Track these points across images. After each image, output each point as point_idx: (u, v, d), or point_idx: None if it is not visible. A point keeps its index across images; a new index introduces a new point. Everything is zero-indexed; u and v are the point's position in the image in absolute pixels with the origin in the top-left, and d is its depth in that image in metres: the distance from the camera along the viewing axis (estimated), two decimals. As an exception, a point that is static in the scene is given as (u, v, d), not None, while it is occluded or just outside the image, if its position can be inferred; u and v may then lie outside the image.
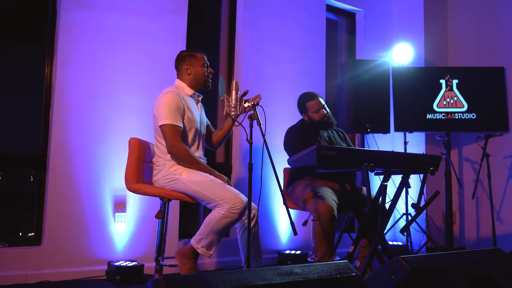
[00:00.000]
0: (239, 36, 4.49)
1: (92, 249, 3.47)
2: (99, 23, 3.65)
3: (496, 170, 4.70)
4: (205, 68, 2.99)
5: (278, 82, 4.56)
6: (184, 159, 2.79)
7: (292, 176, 3.72)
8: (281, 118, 4.47)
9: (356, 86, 4.57)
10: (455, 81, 4.82)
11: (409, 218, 4.67)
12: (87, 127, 3.54)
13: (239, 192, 2.72)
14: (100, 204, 3.53)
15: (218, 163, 4.39)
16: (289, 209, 3.71)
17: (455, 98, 4.80)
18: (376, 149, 4.95)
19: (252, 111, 2.84)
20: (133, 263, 3.38)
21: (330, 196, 3.34)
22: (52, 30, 3.57)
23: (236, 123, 2.98)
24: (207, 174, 2.79)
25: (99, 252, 3.50)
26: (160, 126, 2.80)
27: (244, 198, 2.70)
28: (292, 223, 2.65)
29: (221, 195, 2.66)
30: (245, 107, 2.86)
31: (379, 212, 3.00)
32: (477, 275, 1.88)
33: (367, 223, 3.10)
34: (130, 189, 2.81)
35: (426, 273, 1.78)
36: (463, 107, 4.78)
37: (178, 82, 3.00)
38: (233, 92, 2.86)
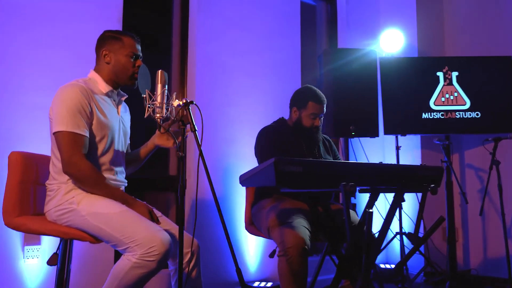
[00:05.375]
0: (193, 20, 3.68)
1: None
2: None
3: (508, 180, 3.90)
4: (132, 59, 2.18)
5: (242, 76, 3.76)
6: (85, 181, 1.99)
7: (258, 194, 2.92)
8: (246, 120, 3.69)
9: (337, 80, 3.78)
10: (454, 74, 4.04)
11: (404, 238, 3.88)
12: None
13: (160, 229, 1.92)
14: (3, 236, 2.70)
15: (170, 177, 3.58)
16: (253, 235, 3.02)
17: (456, 94, 4.02)
18: (363, 156, 4.16)
19: (180, 112, 2.04)
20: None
21: (301, 223, 2.54)
22: None
23: (162, 130, 2.18)
24: (118, 204, 1.98)
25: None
26: (54, 134, 1.99)
27: (166, 239, 1.89)
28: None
29: (132, 235, 1.85)
30: (174, 107, 2.06)
31: (364, 248, 2.20)
32: None
33: (347, 261, 2.31)
34: (8, 224, 2.00)
35: None
36: (465, 104, 4.00)
37: (92, 73, 2.20)
38: (159, 86, 2.06)
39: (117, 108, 2.21)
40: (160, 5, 3.79)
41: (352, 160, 4.30)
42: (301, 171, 2.07)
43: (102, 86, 2.14)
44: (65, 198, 1.97)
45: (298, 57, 4.10)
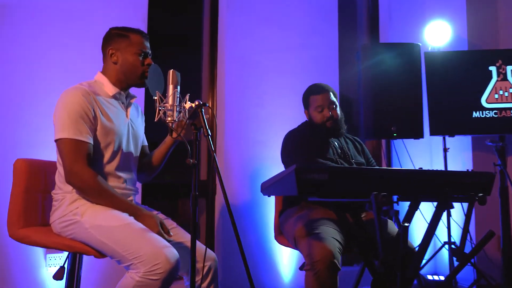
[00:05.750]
0: (222, 18, 3.52)
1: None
2: (22, 3, 2.77)
3: None
4: (141, 58, 2.02)
5: (274, 75, 3.56)
6: (88, 191, 1.85)
7: (286, 201, 2.72)
8: (278, 121, 3.48)
9: (377, 77, 3.51)
10: (509, 68, 3.66)
11: (453, 248, 3.56)
12: (5, 140, 2.65)
13: (166, 244, 1.75)
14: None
15: (201, 182, 3.44)
16: (282, 245, 2.81)
17: (511, 90, 3.65)
18: (407, 159, 3.86)
19: (193, 115, 1.87)
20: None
21: (330, 234, 2.31)
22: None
23: (174, 134, 2.02)
24: (125, 215, 1.83)
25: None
26: (55, 141, 1.87)
27: (172, 256, 1.72)
28: None
29: (136, 251, 1.69)
30: (187, 109, 1.90)
31: (398, 265, 1.96)
32: None
33: (381, 279, 2.06)
34: (12, 236, 1.89)
35: None
36: (522, 101, 3.62)
37: (98, 75, 2.06)
38: (170, 87, 1.90)
39: (126, 111, 2.06)
40: (188, 4, 3.65)
41: (395, 165, 4.00)
42: (327, 179, 1.86)
43: (109, 88, 2.01)
44: (69, 209, 1.84)
45: (335, 54, 3.85)
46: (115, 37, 2.02)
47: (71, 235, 1.83)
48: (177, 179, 3.46)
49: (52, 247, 1.83)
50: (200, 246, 2.00)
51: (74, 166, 1.80)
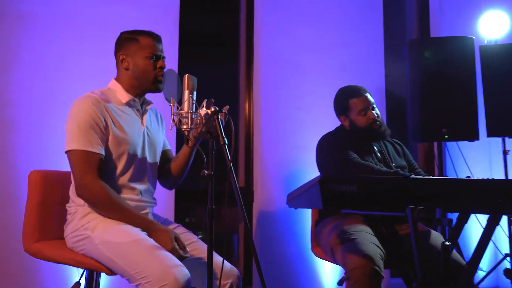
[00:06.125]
0: (257, 17, 3.37)
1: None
2: (52, 10, 2.75)
3: None
4: (152, 61, 1.91)
5: (313, 76, 3.38)
6: (99, 204, 1.76)
7: (321, 211, 2.53)
8: (318, 124, 3.27)
9: (426, 74, 3.23)
10: None
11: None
12: (37, 150, 2.64)
13: (177, 264, 1.62)
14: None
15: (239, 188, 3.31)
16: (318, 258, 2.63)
17: None
18: (463, 163, 3.54)
19: (209, 123, 1.75)
20: None
21: (367, 239, 2.11)
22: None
23: (190, 143, 1.89)
24: (136, 231, 1.72)
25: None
26: (66, 153, 1.79)
27: (182, 276, 1.59)
28: None
29: (143, 270, 1.58)
30: (202, 116, 1.77)
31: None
32: None
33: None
34: (26, 250, 1.83)
35: None
36: None
37: (112, 82, 1.96)
38: (185, 93, 1.78)
39: (142, 118, 1.96)
40: (224, 2, 3.54)
41: (450, 171, 3.68)
42: (355, 190, 1.67)
43: (122, 96, 1.91)
44: (81, 223, 1.76)
45: (380, 51, 3.61)
46: (125, 41, 1.93)
47: (82, 251, 1.74)
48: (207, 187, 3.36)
49: (64, 262, 1.76)
50: (220, 262, 1.86)
51: (84, 178, 1.72)
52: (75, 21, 2.79)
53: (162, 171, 2.05)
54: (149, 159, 1.93)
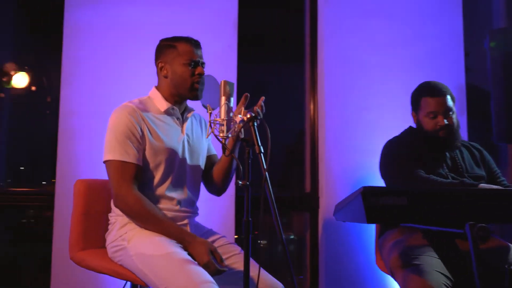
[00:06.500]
0: (321, 14, 3.21)
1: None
2: (112, 21, 2.81)
3: None
4: (190, 68, 1.86)
5: (382, 74, 3.14)
6: (134, 216, 1.73)
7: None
8: (388, 126, 3.04)
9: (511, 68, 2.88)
10: None
11: None
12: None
13: (207, 279, 1.54)
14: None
15: (306, 194, 3.19)
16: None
17: None
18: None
19: (245, 130, 1.66)
20: None
21: (433, 267, 1.89)
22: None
23: (226, 152, 1.80)
24: (170, 243, 1.67)
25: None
26: (104, 163, 1.79)
27: None
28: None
29: (170, 285, 1.53)
30: (237, 123, 1.68)
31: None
32: None
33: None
34: (72, 258, 1.87)
35: None
36: None
37: (152, 91, 1.94)
38: (222, 99, 1.70)
39: (182, 126, 1.91)
40: (285, 2, 3.43)
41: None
42: (406, 204, 1.49)
43: (161, 104, 1.87)
44: (119, 233, 1.75)
45: (459, 44, 3.28)
46: (163, 49, 1.90)
47: (120, 262, 1.73)
48: (285, 192, 3.30)
49: (104, 273, 1.76)
50: (268, 277, 1.77)
51: (119, 189, 1.71)
52: (134, 31, 2.84)
53: (207, 177, 1.99)
54: (189, 168, 1.88)
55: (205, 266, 1.61)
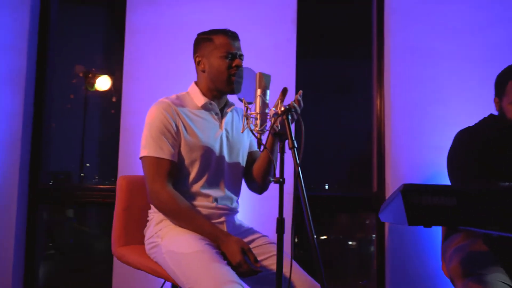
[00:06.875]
0: (388, 2, 3.02)
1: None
2: (171, 20, 2.84)
3: None
4: (228, 60, 1.80)
5: (453, 63, 2.89)
6: (167, 213, 1.71)
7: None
8: (460, 121, 2.78)
9: None
10: None
11: None
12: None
13: (233, 279, 1.47)
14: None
15: (373, 194, 3.02)
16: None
17: None
18: None
19: (280, 124, 1.57)
20: None
21: (497, 278, 1.68)
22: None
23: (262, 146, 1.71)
24: (201, 241, 1.63)
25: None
26: (140, 159, 1.78)
27: None
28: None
29: (195, 284, 1.48)
30: (271, 116, 1.60)
31: None
32: None
33: None
34: (114, 253, 1.89)
35: None
36: None
37: (191, 86, 1.91)
38: (258, 92, 1.63)
39: (221, 121, 1.85)
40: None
41: None
42: (455, 204, 1.32)
43: (198, 99, 1.83)
44: (155, 230, 1.74)
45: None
46: (200, 42, 1.86)
47: (155, 258, 1.72)
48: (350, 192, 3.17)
49: (142, 269, 1.75)
50: (305, 277, 1.67)
51: (154, 185, 1.69)
52: (192, 30, 2.82)
53: (248, 174, 1.93)
54: (228, 164, 1.83)
55: (238, 266, 1.55)
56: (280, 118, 1.54)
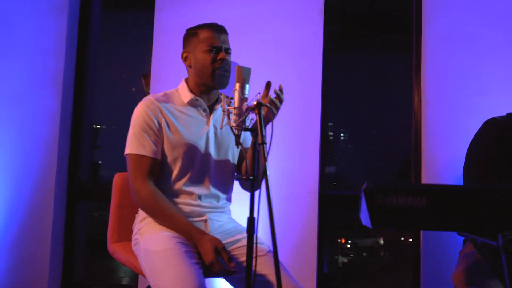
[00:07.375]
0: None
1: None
2: (195, 17, 2.83)
3: None
4: (212, 54, 1.76)
5: (497, 52, 2.63)
6: (146, 209, 1.73)
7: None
8: (502, 113, 2.55)
9: None
10: None
11: None
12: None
13: (197, 282, 1.45)
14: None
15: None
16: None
17: None
18: None
19: (254, 118, 1.52)
20: None
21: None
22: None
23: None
24: (174, 239, 1.62)
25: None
26: (124, 157, 1.80)
27: None
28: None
29: (158, 283, 1.46)
30: (244, 111, 1.55)
31: None
32: None
33: None
34: (108, 250, 1.94)
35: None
36: None
37: (181, 83, 1.90)
38: (237, 86, 1.59)
39: (208, 118, 1.82)
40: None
41: None
42: (425, 205, 1.19)
43: (185, 96, 1.81)
44: (138, 227, 1.76)
45: None
46: (187, 38, 1.85)
47: (138, 256, 1.73)
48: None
49: (127, 265, 1.78)
50: (289, 280, 1.60)
51: (135, 183, 1.71)
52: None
53: (238, 172, 1.89)
54: (214, 161, 1.80)
55: (210, 265, 1.52)
56: (252, 113, 1.49)
